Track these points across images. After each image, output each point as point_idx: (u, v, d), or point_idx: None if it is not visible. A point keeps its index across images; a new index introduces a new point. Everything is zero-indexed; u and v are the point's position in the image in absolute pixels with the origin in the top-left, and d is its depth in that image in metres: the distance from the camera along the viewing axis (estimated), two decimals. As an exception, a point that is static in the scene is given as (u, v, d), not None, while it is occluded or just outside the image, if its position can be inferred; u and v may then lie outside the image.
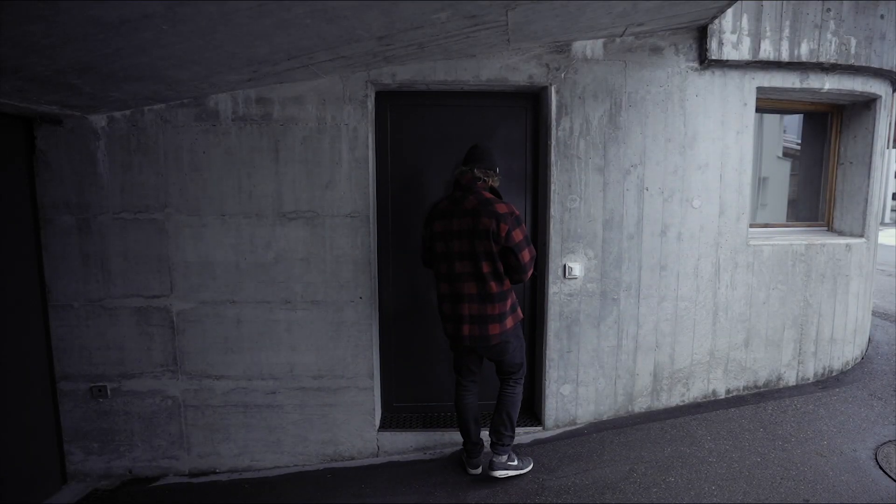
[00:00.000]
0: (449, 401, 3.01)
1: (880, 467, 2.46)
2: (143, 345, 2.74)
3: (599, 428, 2.92)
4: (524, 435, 2.92)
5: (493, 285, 2.26)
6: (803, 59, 2.91)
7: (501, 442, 2.48)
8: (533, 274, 2.54)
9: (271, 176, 2.66)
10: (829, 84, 3.06)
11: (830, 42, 2.95)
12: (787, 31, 2.88)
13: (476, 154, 2.37)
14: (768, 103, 3.29)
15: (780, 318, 3.21)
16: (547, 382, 2.92)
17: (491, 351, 2.36)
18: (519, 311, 2.41)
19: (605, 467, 2.56)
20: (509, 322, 2.33)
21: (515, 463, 2.51)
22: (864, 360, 3.74)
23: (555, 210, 2.80)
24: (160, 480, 2.79)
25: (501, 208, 2.23)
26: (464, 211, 2.26)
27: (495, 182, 2.40)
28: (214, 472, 2.84)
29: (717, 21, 2.74)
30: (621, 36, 2.73)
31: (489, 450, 2.55)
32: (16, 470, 2.47)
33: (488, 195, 2.30)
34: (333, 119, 2.65)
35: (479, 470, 2.57)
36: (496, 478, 2.48)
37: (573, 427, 2.97)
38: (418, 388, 3.07)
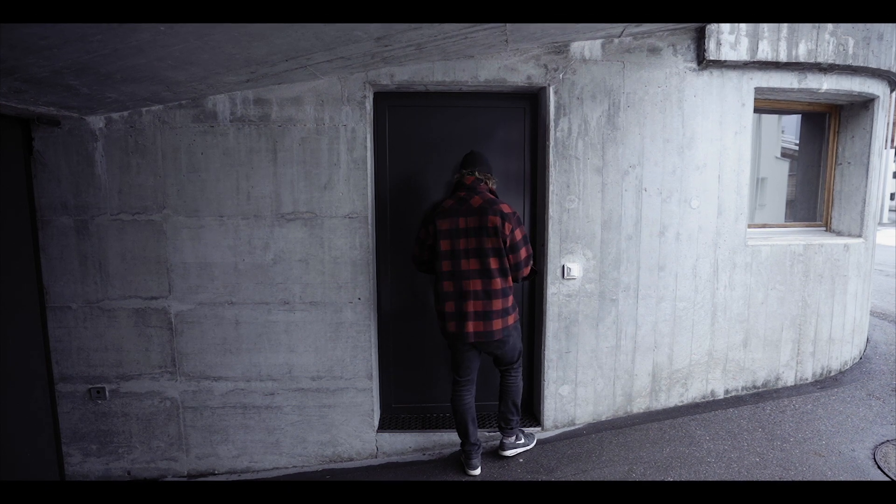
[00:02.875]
0: (448, 401, 3.00)
1: (879, 467, 2.46)
2: (141, 346, 2.73)
3: (598, 428, 2.92)
4: (523, 435, 2.92)
5: (499, 281, 2.37)
6: (801, 59, 2.91)
7: (510, 426, 2.67)
8: (534, 269, 2.60)
9: (269, 177, 2.66)
10: (826, 84, 3.06)
11: (828, 42, 2.95)
12: (784, 32, 2.88)
13: (474, 159, 2.51)
14: (766, 104, 3.29)
15: (779, 318, 3.22)
16: (546, 383, 2.92)
17: (492, 346, 2.45)
18: (517, 311, 2.52)
19: (604, 468, 2.56)
20: (511, 319, 2.44)
21: (522, 441, 2.73)
22: (863, 360, 3.74)
23: (553, 211, 2.80)
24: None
25: (506, 208, 2.38)
26: (471, 209, 2.37)
27: (494, 185, 2.52)
28: (213, 474, 2.83)
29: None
30: (619, 36, 2.73)
31: (495, 439, 2.76)
32: (15, 471, 2.46)
33: (491, 196, 2.44)
34: (332, 120, 2.65)
35: (479, 471, 2.57)
36: (507, 456, 2.68)
37: (572, 427, 2.97)
38: (417, 388, 3.07)
